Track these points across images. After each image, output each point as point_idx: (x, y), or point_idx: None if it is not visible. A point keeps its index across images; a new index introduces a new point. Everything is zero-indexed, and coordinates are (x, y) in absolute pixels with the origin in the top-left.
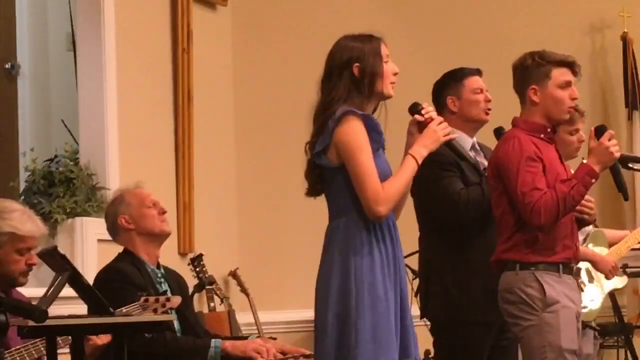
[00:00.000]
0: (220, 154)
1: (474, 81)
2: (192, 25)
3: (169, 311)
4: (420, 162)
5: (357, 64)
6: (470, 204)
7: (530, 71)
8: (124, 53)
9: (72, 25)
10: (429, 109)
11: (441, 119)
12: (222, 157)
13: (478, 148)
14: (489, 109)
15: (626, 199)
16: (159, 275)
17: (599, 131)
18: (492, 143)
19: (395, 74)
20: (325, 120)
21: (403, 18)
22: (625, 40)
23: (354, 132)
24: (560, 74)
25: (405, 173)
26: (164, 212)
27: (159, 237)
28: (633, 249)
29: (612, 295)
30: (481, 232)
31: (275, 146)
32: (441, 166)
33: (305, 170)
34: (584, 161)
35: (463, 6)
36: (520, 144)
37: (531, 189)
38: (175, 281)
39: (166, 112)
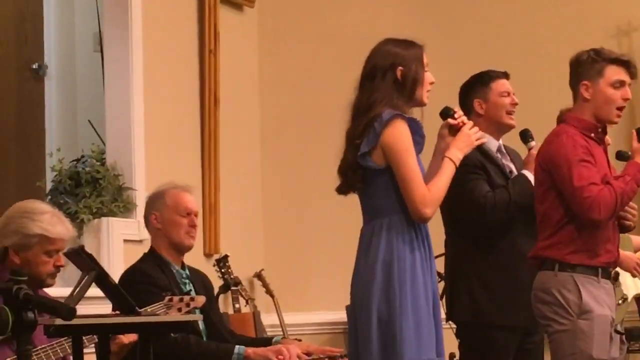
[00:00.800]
0: (245, 155)
1: (501, 84)
2: (219, 27)
3: (194, 311)
4: (457, 164)
5: (400, 68)
6: (497, 206)
7: (584, 66)
8: (151, 54)
9: (99, 26)
10: (461, 113)
11: (472, 123)
12: (248, 159)
13: (504, 151)
14: (514, 112)
15: None
16: (184, 275)
17: None
18: (518, 146)
19: (432, 83)
20: (370, 122)
21: (431, 21)
22: None
23: (401, 135)
24: (613, 73)
25: (446, 175)
26: (194, 225)
27: (181, 248)
28: None
29: (638, 299)
30: (507, 234)
31: (301, 148)
32: (467, 169)
33: (342, 168)
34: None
35: (490, 10)
36: (574, 139)
37: (588, 183)
38: (200, 281)
39: (192, 113)
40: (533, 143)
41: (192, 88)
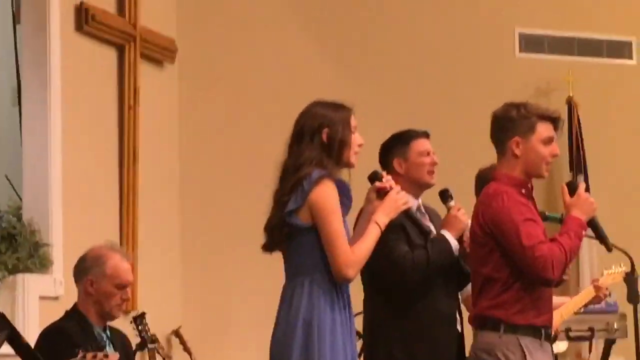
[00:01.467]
0: (164, 212)
1: (420, 144)
2: (138, 82)
3: None
4: (383, 229)
5: (327, 130)
6: (416, 267)
7: (514, 122)
8: (70, 109)
9: (18, 80)
10: (389, 178)
11: (399, 187)
12: (167, 215)
13: (423, 210)
14: (434, 172)
15: (610, 249)
16: (104, 338)
17: (572, 186)
18: (436, 205)
19: (360, 145)
20: (299, 181)
21: (354, 80)
22: (570, 104)
23: (329, 195)
24: (544, 129)
25: (370, 238)
26: (127, 299)
27: (108, 318)
28: (575, 313)
29: (605, 340)
30: (427, 295)
31: (220, 205)
32: (387, 229)
33: (267, 226)
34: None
35: (412, 68)
36: (514, 198)
37: (538, 242)
38: (120, 342)
39: (111, 169)
40: (452, 203)
41: (111, 143)
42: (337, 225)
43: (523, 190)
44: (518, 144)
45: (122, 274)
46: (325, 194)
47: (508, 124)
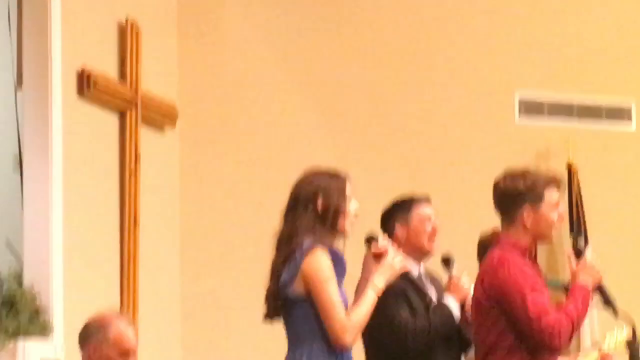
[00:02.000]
0: (165, 278)
1: (422, 209)
2: (139, 148)
3: None
4: (379, 293)
5: (321, 199)
6: (418, 334)
7: (522, 193)
8: (71, 174)
9: (19, 146)
10: (385, 242)
11: (396, 251)
12: (167, 282)
13: (426, 276)
14: (435, 238)
15: (617, 315)
16: None
17: (578, 253)
18: (438, 270)
19: (356, 215)
20: (291, 252)
21: (353, 144)
22: (570, 169)
23: (321, 264)
24: (551, 195)
25: (367, 303)
26: None
27: None
28: None
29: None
30: None
31: (222, 270)
32: (388, 295)
33: (267, 296)
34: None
35: (412, 133)
36: (521, 268)
37: (545, 312)
38: None
39: (112, 235)
40: (455, 270)
41: (112, 209)
42: (331, 293)
43: (527, 257)
44: (529, 214)
45: (125, 341)
46: (318, 264)
47: (517, 196)
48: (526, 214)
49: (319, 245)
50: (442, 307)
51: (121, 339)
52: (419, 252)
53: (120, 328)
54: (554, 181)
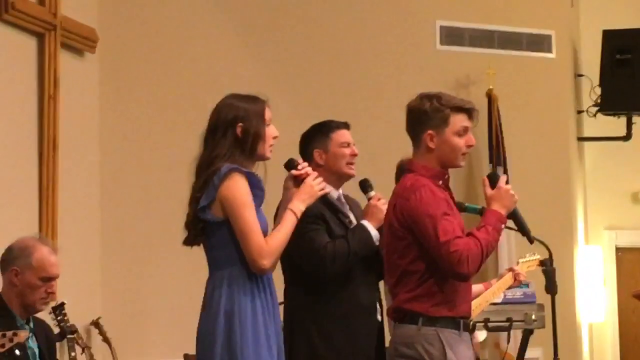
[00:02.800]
0: (84, 202)
1: (341, 135)
2: (59, 72)
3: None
4: (299, 216)
5: (240, 124)
6: (337, 257)
7: (428, 115)
8: None
9: None
10: (305, 165)
11: (316, 174)
12: (87, 206)
13: (344, 200)
14: (354, 162)
15: (531, 242)
16: (28, 330)
17: (493, 178)
18: (357, 195)
19: (275, 137)
20: (209, 176)
21: (273, 71)
22: (490, 97)
23: (238, 188)
24: (458, 120)
25: (286, 227)
26: (52, 292)
27: (31, 311)
28: (493, 304)
29: (524, 330)
30: (347, 284)
31: (142, 195)
32: (307, 219)
33: (186, 222)
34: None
35: (332, 59)
36: (433, 193)
37: (454, 237)
38: (42, 332)
39: (31, 159)
40: (372, 193)
41: (31, 134)
42: (248, 217)
43: (440, 182)
44: (432, 137)
45: (48, 267)
46: (235, 188)
47: (422, 117)
48: (428, 138)
49: (236, 169)
50: (361, 230)
51: (44, 265)
52: (337, 177)
53: (44, 254)
54: (464, 108)
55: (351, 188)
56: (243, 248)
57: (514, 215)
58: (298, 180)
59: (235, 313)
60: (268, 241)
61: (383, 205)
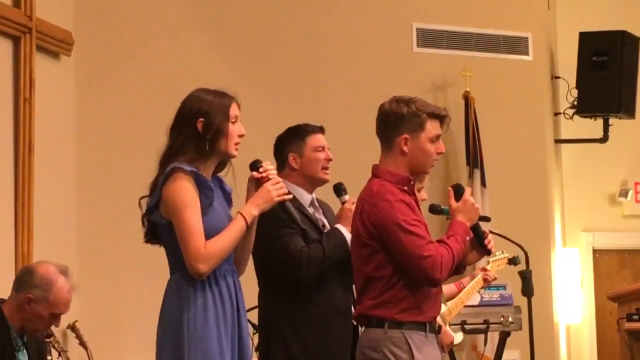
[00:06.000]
0: (60, 205)
1: (316, 139)
2: (34, 74)
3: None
4: (249, 220)
5: (202, 119)
6: (312, 261)
7: (404, 119)
8: None
9: None
10: (268, 168)
11: (278, 179)
12: (63, 209)
13: (317, 205)
14: (329, 167)
15: (489, 254)
16: (20, 344)
17: (458, 190)
18: (331, 199)
19: (241, 135)
20: (158, 175)
21: (249, 71)
22: (467, 99)
23: (179, 189)
24: (433, 127)
25: (230, 231)
26: (57, 321)
27: (30, 333)
28: (470, 306)
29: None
30: (322, 288)
31: (117, 197)
32: (282, 223)
33: (142, 219)
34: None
35: (309, 61)
36: (400, 199)
37: (425, 244)
38: (34, 345)
39: (6, 162)
40: (346, 197)
41: (6, 137)
42: (188, 219)
43: (405, 187)
44: (407, 141)
45: (62, 306)
46: (176, 188)
47: (397, 121)
48: (403, 142)
49: (179, 169)
50: (335, 234)
51: (59, 304)
52: (311, 182)
53: (63, 292)
54: (439, 115)
55: (323, 192)
56: (182, 250)
57: (474, 228)
58: (259, 183)
59: (184, 317)
60: (207, 245)
61: None
